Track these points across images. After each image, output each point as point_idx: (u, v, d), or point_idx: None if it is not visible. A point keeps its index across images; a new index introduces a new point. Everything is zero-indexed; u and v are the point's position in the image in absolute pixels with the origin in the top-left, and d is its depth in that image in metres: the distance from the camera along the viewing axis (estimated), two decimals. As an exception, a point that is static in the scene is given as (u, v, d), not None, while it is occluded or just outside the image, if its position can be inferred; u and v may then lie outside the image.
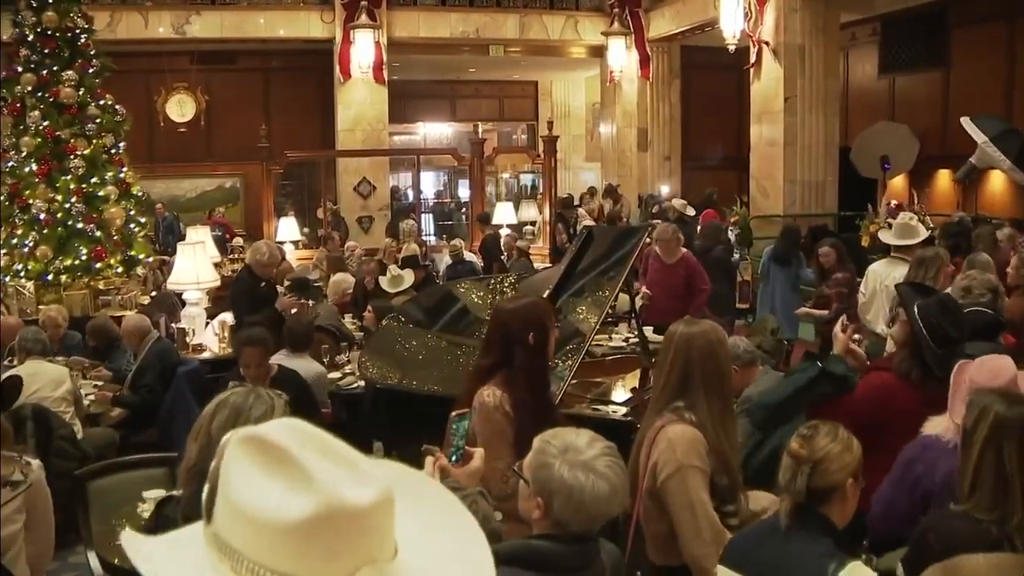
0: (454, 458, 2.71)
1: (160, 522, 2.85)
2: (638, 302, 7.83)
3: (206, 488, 1.27)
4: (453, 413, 2.76)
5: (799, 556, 2.73)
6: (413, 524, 1.31)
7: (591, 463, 2.50)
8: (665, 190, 18.45)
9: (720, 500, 3.35)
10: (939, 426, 3.54)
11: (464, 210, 19.93)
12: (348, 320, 9.46)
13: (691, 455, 3.31)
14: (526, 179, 24.54)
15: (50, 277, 9.87)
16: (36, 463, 4.17)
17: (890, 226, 8.74)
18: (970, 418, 3.00)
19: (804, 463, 2.75)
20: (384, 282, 9.88)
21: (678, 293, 8.78)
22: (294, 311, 8.60)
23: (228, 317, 9.02)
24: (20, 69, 10.22)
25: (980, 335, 4.71)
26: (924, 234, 8.32)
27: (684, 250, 9.26)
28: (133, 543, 1.28)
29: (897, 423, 3.85)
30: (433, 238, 18.44)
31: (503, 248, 13.55)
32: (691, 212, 14.89)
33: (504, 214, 16.42)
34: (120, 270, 10.33)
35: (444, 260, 13.11)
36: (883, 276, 7.78)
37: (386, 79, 17.99)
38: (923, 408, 3.74)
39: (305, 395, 6.14)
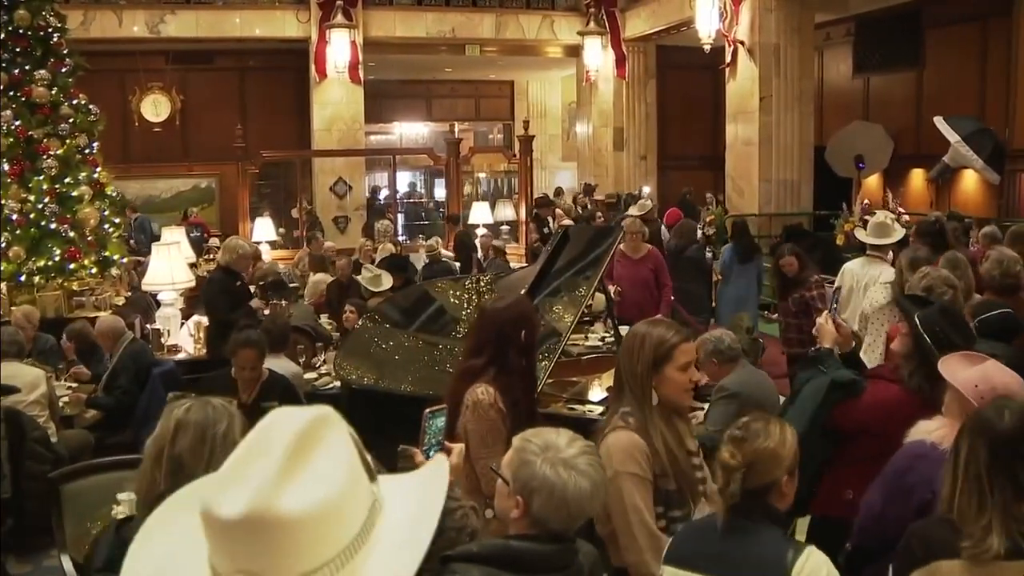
0: (431, 453, 2.71)
1: (117, 545, 2.67)
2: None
3: None
4: (427, 410, 2.74)
5: (755, 549, 2.73)
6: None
7: (572, 461, 2.50)
8: (647, 190, 18.49)
9: (666, 505, 3.29)
10: (934, 432, 3.41)
11: (441, 210, 19.85)
12: (324, 320, 9.43)
13: (627, 462, 3.24)
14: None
15: (23, 278, 9.78)
16: None
17: (865, 224, 8.77)
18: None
19: (736, 471, 2.74)
20: (364, 279, 9.84)
21: (648, 288, 8.85)
22: (266, 312, 8.57)
23: (203, 318, 8.97)
24: (-9, 68, 10.12)
25: (997, 336, 4.73)
26: (900, 233, 8.36)
27: (648, 246, 9.35)
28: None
29: (902, 435, 3.67)
30: (402, 237, 18.29)
31: (480, 247, 13.53)
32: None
33: (480, 213, 16.41)
34: (94, 271, 10.25)
35: (420, 260, 13.08)
36: (859, 275, 7.81)
37: (362, 79, 17.97)
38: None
39: (293, 400, 6.11)
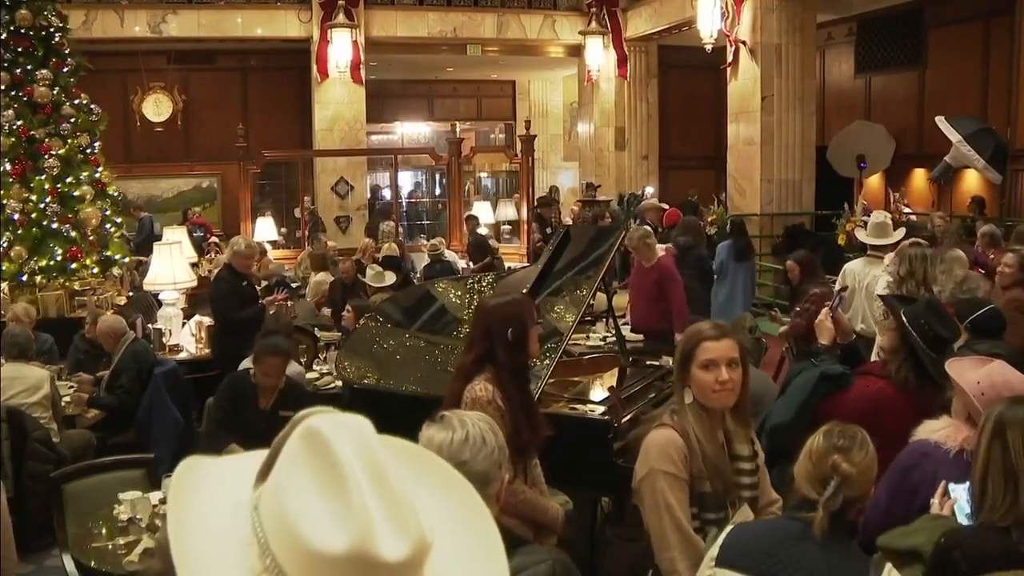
0: None
1: None
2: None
3: (267, 454, 1.22)
4: None
5: (840, 563, 2.64)
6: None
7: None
8: (649, 191, 18.49)
9: (700, 507, 3.24)
10: (938, 431, 3.41)
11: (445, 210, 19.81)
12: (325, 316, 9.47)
13: (662, 460, 3.22)
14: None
15: (25, 278, 9.79)
16: None
17: (866, 225, 8.78)
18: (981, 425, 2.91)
19: (850, 480, 2.65)
20: (369, 276, 9.87)
21: (651, 297, 8.73)
22: (272, 311, 8.58)
23: (205, 318, 8.97)
24: (-7, 68, 10.13)
25: (989, 333, 4.75)
26: (900, 233, 8.37)
27: (661, 255, 9.18)
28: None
29: (888, 430, 3.69)
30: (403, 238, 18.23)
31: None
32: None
33: (482, 213, 16.42)
34: (96, 271, 10.26)
35: (423, 260, 13.07)
36: (860, 275, 7.81)
37: (363, 79, 17.96)
38: (916, 416, 3.64)
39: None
